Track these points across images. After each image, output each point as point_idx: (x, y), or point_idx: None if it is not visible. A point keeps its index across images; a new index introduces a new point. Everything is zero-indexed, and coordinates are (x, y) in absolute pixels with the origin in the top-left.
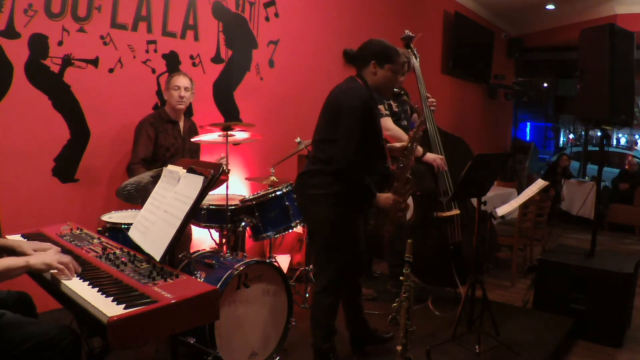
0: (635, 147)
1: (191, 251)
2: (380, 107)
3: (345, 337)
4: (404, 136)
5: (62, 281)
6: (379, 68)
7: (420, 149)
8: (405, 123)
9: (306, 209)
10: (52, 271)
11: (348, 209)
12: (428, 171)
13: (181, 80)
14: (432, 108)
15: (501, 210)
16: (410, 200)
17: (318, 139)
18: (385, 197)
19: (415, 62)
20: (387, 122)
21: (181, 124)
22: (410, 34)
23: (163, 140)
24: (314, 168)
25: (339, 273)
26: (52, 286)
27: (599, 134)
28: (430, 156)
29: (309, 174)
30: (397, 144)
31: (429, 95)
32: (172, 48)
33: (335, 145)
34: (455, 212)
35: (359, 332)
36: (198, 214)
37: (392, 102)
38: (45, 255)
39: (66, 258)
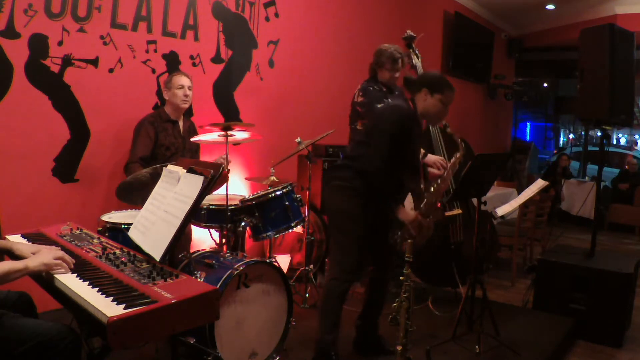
0: (635, 147)
1: (191, 251)
2: None
3: (347, 338)
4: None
5: (56, 276)
6: (429, 96)
7: (421, 151)
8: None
9: (326, 198)
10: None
11: (366, 203)
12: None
13: (185, 80)
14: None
15: (501, 210)
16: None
17: (357, 139)
18: (408, 212)
19: (417, 62)
20: None
21: (180, 123)
22: (412, 33)
23: (163, 139)
24: (342, 163)
25: (352, 265)
26: (48, 282)
27: (599, 134)
28: (431, 158)
29: (336, 167)
30: (436, 171)
31: None
32: (172, 48)
33: (367, 147)
34: (457, 211)
35: (366, 333)
36: (198, 214)
37: None
38: (41, 256)
39: (60, 252)
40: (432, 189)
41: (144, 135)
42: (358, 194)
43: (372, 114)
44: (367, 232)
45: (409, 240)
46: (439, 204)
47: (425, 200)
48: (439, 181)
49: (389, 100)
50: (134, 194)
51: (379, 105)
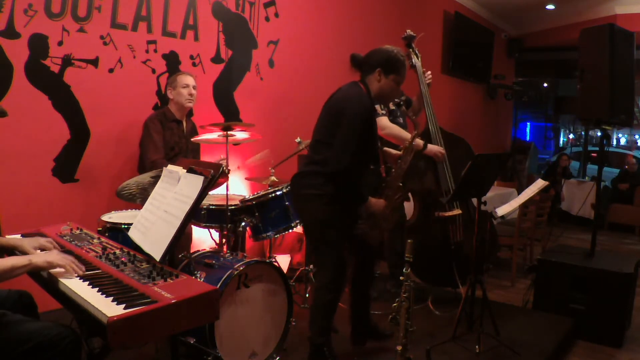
0: (636, 147)
1: (191, 251)
2: (377, 106)
3: (346, 337)
4: (402, 133)
5: (61, 280)
6: (383, 76)
7: (421, 143)
8: (402, 120)
9: (299, 208)
10: (53, 270)
11: (341, 208)
12: (429, 169)
13: (189, 79)
14: (427, 81)
15: (501, 210)
16: (411, 201)
17: (315, 140)
18: (377, 202)
19: (417, 62)
20: (383, 121)
21: (184, 123)
22: (412, 33)
23: (169, 139)
24: (308, 169)
25: (336, 270)
26: (51, 285)
27: (599, 134)
28: (432, 148)
29: (302, 175)
30: (393, 151)
31: (427, 73)
32: (172, 48)
33: (331, 148)
34: (457, 211)
35: (360, 325)
36: (198, 214)
37: None
38: (48, 254)
39: (68, 259)
40: (392, 172)
41: (158, 132)
42: (332, 200)
43: (329, 110)
44: (346, 234)
45: (374, 227)
46: (399, 184)
47: (389, 185)
48: (399, 161)
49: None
50: (136, 195)
51: (338, 93)
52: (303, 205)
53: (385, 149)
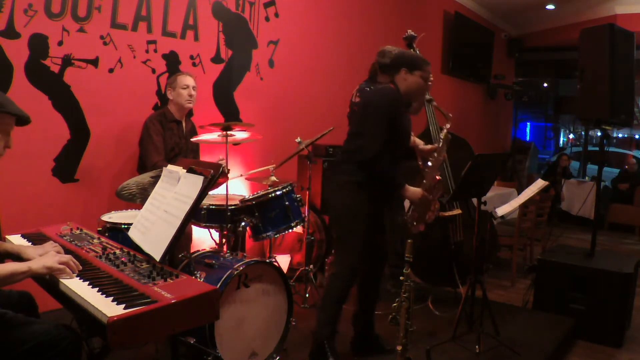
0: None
1: (191, 251)
2: None
3: (346, 337)
4: (415, 140)
5: (61, 280)
6: (409, 74)
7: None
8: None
9: (330, 194)
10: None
11: (369, 197)
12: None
13: (189, 80)
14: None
15: (501, 210)
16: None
17: (351, 132)
18: (414, 190)
19: None
20: None
21: (183, 124)
22: (413, 33)
23: (169, 139)
24: (343, 157)
25: (353, 260)
26: (51, 285)
27: (599, 134)
28: (424, 147)
29: (338, 163)
30: (428, 146)
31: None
32: (172, 48)
33: (361, 137)
34: (457, 211)
35: (363, 333)
36: (198, 214)
37: None
38: (45, 259)
39: (66, 257)
40: (429, 164)
41: (158, 133)
42: (362, 187)
43: (362, 102)
44: (369, 227)
45: (417, 218)
46: (438, 177)
47: (426, 175)
48: (435, 154)
49: None
50: (136, 195)
51: (367, 90)
52: (333, 192)
53: (420, 146)
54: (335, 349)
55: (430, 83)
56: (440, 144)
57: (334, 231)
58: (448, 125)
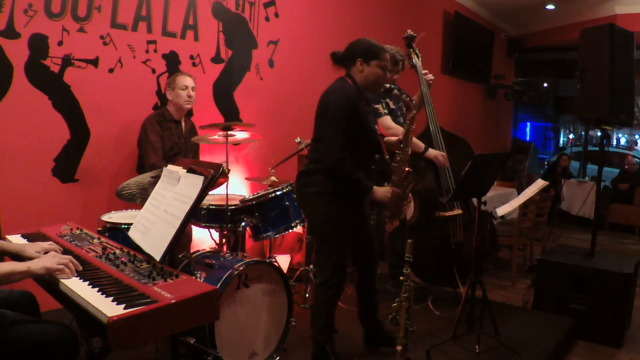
0: (635, 147)
1: (191, 251)
2: (378, 106)
3: (346, 337)
4: None
5: (61, 280)
6: (365, 65)
7: (422, 145)
8: (402, 120)
9: (303, 207)
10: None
11: (343, 206)
12: (429, 169)
13: (188, 80)
14: (429, 80)
15: (501, 210)
16: (412, 201)
17: (313, 140)
18: (382, 190)
19: (418, 62)
20: (387, 121)
21: (183, 123)
22: (413, 33)
23: (167, 139)
24: (309, 167)
25: (335, 268)
26: (52, 285)
27: (599, 134)
28: (432, 152)
29: (304, 173)
30: (393, 138)
31: (428, 74)
32: (172, 48)
33: (324, 143)
34: (458, 211)
35: (372, 331)
36: (198, 214)
37: (389, 101)
38: (44, 260)
39: (65, 258)
40: (397, 158)
41: (156, 133)
42: (332, 197)
43: (319, 108)
44: (348, 233)
45: (389, 215)
46: (407, 169)
47: (395, 171)
48: (401, 146)
49: (387, 101)
50: (136, 195)
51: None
52: (305, 203)
53: (386, 138)
54: (335, 350)
55: (430, 81)
56: (404, 135)
57: (312, 240)
58: (413, 112)
